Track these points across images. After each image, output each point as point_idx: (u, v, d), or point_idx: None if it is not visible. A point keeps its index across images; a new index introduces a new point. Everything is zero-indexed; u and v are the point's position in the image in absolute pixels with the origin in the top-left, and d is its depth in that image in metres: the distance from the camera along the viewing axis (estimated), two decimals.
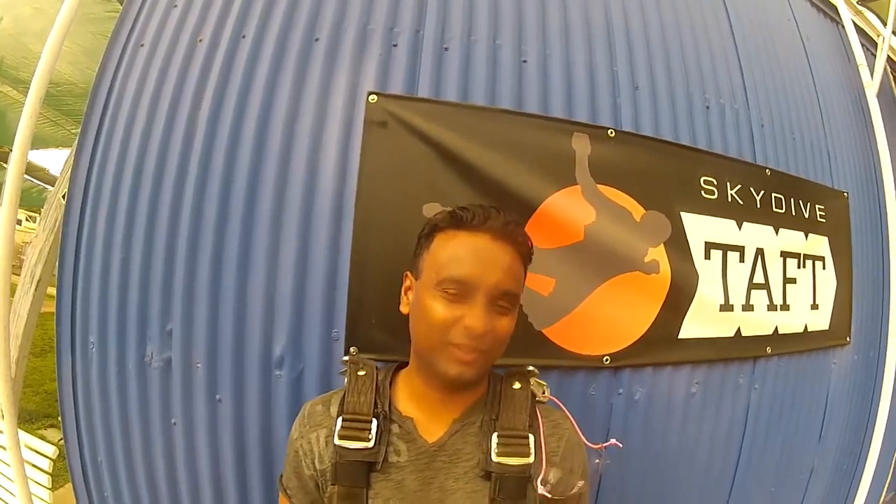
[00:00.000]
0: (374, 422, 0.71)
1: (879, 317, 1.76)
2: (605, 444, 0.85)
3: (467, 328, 0.66)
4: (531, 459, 0.71)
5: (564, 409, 0.80)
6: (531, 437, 0.72)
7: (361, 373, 0.76)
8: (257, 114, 1.07)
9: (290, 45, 1.11)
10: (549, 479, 0.72)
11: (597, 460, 0.88)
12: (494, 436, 0.71)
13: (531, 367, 0.79)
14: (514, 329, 0.72)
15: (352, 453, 0.70)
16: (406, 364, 0.79)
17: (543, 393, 0.78)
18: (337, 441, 0.70)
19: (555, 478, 0.73)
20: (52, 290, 1.38)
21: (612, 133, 1.13)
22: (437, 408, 0.74)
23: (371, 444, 0.70)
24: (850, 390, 1.66)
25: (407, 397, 0.76)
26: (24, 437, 1.69)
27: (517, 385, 0.76)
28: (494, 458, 0.70)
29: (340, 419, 0.72)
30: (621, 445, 0.86)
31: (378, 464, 0.70)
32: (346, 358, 0.81)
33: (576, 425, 0.79)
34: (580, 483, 0.75)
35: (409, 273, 0.77)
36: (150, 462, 1.14)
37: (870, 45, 2.08)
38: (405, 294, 0.77)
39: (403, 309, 0.76)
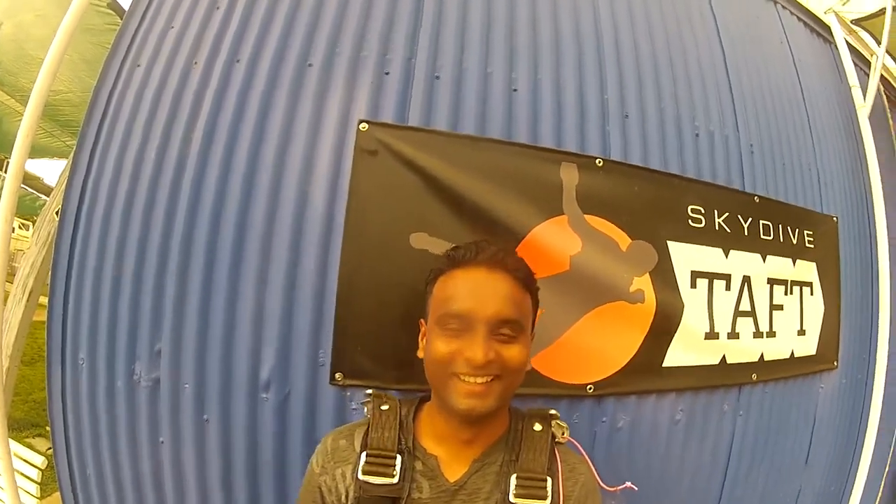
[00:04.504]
0: (399, 458, 0.73)
1: (868, 339, 1.77)
2: (620, 487, 0.86)
3: (467, 360, 0.68)
4: (547, 502, 0.72)
5: (583, 451, 0.82)
6: (549, 479, 0.73)
7: (385, 407, 0.78)
8: (249, 139, 1.09)
9: (283, 70, 1.12)
10: None
11: (612, 502, 0.90)
12: (513, 477, 0.73)
13: (553, 410, 0.81)
14: (528, 357, 0.73)
15: (376, 489, 0.72)
16: (429, 397, 0.80)
17: (563, 434, 0.79)
18: (360, 476, 0.72)
19: None
20: (44, 300, 1.39)
21: (600, 162, 1.14)
22: (459, 446, 0.75)
23: (395, 480, 0.72)
24: (837, 413, 1.66)
25: (430, 434, 0.77)
26: (13, 446, 1.70)
27: (538, 427, 0.78)
28: (512, 499, 0.71)
29: (364, 454, 0.73)
30: (636, 489, 0.87)
31: (402, 500, 0.71)
32: (370, 391, 0.82)
33: (593, 469, 0.80)
34: None
35: (422, 320, 0.79)
36: (138, 479, 1.15)
37: (864, 64, 2.09)
38: (421, 340, 0.79)
39: (420, 354, 0.78)
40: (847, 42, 1.96)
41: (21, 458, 1.71)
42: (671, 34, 1.39)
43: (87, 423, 1.19)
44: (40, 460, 1.71)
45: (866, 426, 1.70)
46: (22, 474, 1.67)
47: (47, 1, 2.23)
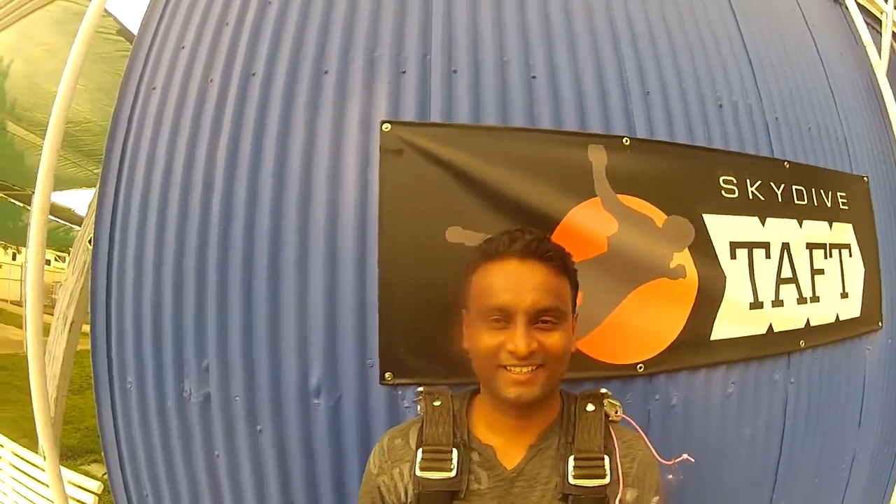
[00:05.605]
0: (455, 451, 0.74)
1: None
2: (677, 460, 0.86)
3: (511, 352, 0.69)
4: (607, 480, 0.72)
5: (638, 428, 0.82)
6: (606, 458, 0.74)
7: (437, 403, 0.79)
8: (274, 151, 1.09)
9: (300, 80, 1.12)
10: (626, 499, 0.73)
11: (669, 476, 0.90)
12: (571, 459, 0.73)
13: (604, 390, 0.81)
14: (572, 341, 0.74)
15: (434, 483, 0.72)
16: (479, 390, 0.81)
17: (616, 413, 0.79)
18: (418, 472, 0.73)
19: (631, 497, 0.74)
20: (86, 328, 1.41)
21: (627, 141, 1.13)
22: (513, 433, 0.76)
23: (453, 473, 0.72)
24: (886, 373, 1.63)
25: (484, 425, 0.78)
26: (68, 473, 1.72)
27: (591, 407, 0.78)
28: (571, 480, 0.72)
29: (420, 451, 0.74)
30: (693, 460, 0.87)
31: (461, 493, 0.72)
32: (421, 389, 0.83)
33: (649, 444, 0.80)
34: (655, 499, 0.76)
35: (464, 310, 0.80)
36: (196, 494, 1.17)
37: (876, 23, 2.05)
38: (464, 330, 0.79)
39: (465, 345, 0.79)
40: (856, 2, 1.93)
41: (76, 486, 1.74)
42: (682, 6, 1.38)
43: (140, 444, 1.21)
44: (96, 485, 1.74)
45: None
46: (78, 501, 1.70)
47: (54, 34, 2.27)
